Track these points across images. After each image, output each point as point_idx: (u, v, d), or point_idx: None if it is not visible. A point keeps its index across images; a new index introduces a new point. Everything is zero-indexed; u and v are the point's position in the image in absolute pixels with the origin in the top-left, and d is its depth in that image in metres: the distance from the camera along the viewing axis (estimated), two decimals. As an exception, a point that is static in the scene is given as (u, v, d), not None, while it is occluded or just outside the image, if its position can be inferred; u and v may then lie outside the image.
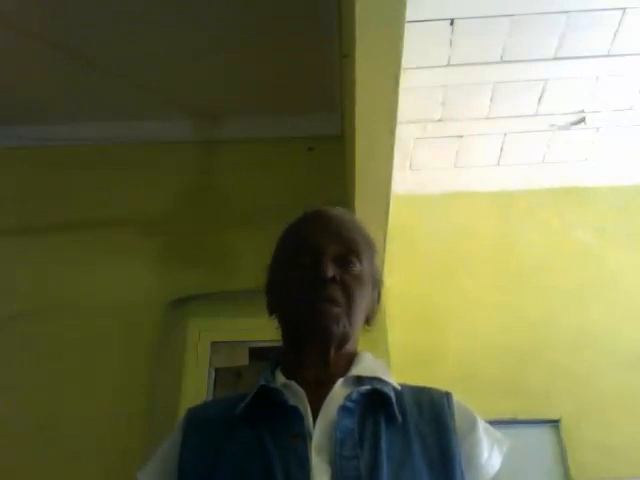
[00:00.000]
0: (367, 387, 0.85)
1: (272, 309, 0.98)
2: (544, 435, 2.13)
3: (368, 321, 0.96)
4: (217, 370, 2.11)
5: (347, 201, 1.98)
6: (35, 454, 1.93)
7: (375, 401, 0.84)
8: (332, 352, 0.89)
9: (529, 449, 2.06)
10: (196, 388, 2.03)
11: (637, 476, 2.02)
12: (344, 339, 0.90)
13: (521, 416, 2.11)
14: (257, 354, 2.11)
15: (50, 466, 1.91)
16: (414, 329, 2.31)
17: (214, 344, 2.14)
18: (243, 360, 2.12)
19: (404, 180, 2.53)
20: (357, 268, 0.92)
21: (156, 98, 2.45)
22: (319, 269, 0.88)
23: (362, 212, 1.90)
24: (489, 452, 0.86)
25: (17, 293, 2.24)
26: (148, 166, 2.51)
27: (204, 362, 2.10)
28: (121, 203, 2.44)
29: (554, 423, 2.14)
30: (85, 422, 1.98)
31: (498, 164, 2.58)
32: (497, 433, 0.89)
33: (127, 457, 1.85)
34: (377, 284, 0.99)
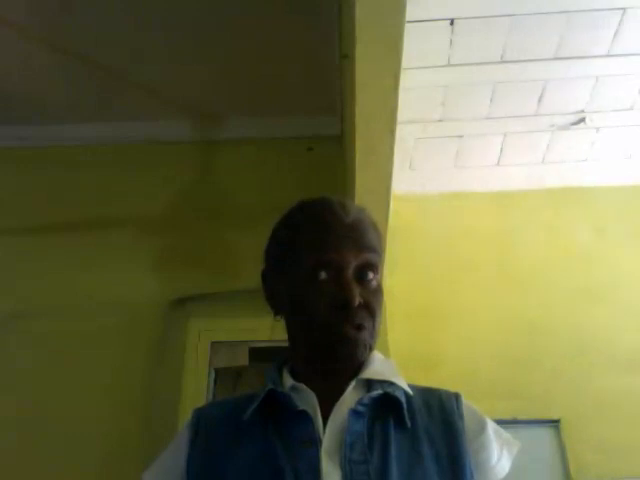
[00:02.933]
0: (379, 392, 0.84)
1: (278, 311, 0.94)
2: (544, 435, 2.13)
3: None
4: (217, 370, 2.11)
5: (347, 201, 1.98)
6: (35, 452, 1.94)
7: (385, 405, 0.84)
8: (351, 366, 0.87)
9: (529, 449, 2.06)
10: (196, 388, 2.03)
11: (637, 476, 2.02)
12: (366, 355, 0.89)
13: (521, 416, 2.11)
14: (257, 354, 2.11)
15: (50, 464, 1.91)
16: (414, 329, 2.31)
17: (214, 344, 2.14)
18: (243, 360, 2.12)
19: (404, 180, 2.53)
20: (375, 282, 0.89)
21: (156, 98, 2.45)
22: (346, 296, 0.83)
23: (362, 212, 1.90)
24: (499, 454, 0.85)
25: (17, 293, 2.24)
26: (148, 166, 2.50)
27: (204, 362, 2.10)
28: (121, 203, 2.44)
29: (554, 423, 2.15)
30: (85, 421, 1.98)
31: (498, 164, 2.58)
32: (507, 435, 0.89)
33: (127, 457, 1.86)
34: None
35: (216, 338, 2.15)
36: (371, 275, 0.88)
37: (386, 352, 2.05)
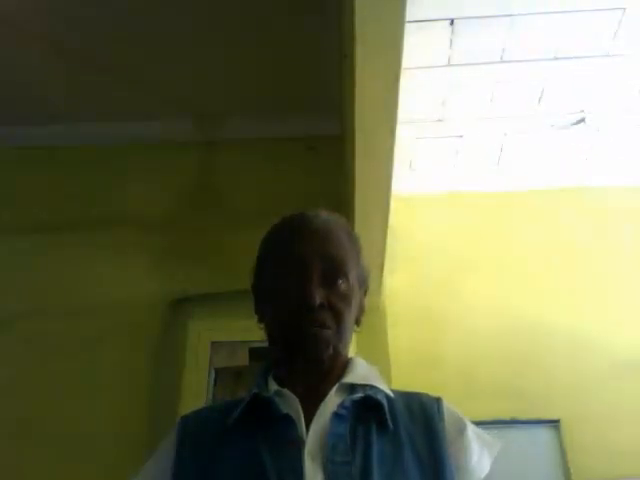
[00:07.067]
0: (360, 394, 0.85)
1: (261, 319, 0.97)
2: (544, 435, 2.13)
3: (357, 322, 0.96)
4: (217, 370, 2.11)
5: (347, 201, 1.98)
6: (36, 453, 1.94)
7: (367, 408, 0.85)
8: (323, 368, 0.89)
9: (529, 449, 2.06)
10: (196, 388, 2.03)
11: (637, 476, 2.02)
12: (335, 358, 0.90)
13: (521, 416, 2.10)
14: (257, 354, 2.11)
15: (50, 465, 1.91)
16: (414, 329, 2.31)
17: (214, 344, 2.14)
18: (243, 360, 2.12)
19: (404, 180, 2.53)
20: (344, 287, 0.90)
21: (156, 98, 2.45)
22: (306, 295, 0.86)
23: (362, 212, 1.90)
24: (479, 455, 0.86)
25: (17, 293, 2.24)
26: (148, 166, 2.51)
27: (204, 362, 2.09)
28: (121, 203, 2.44)
29: (554, 423, 2.14)
30: (85, 422, 1.98)
31: (498, 164, 2.58)
32: (487, 436, 0.89)
33: (127, 457, 1.86)
34: (364, 283, 0.98)
35: (216, 338, 2.15)
36: (340, 281, 0.90)
37: (386, 352, 2.06)
